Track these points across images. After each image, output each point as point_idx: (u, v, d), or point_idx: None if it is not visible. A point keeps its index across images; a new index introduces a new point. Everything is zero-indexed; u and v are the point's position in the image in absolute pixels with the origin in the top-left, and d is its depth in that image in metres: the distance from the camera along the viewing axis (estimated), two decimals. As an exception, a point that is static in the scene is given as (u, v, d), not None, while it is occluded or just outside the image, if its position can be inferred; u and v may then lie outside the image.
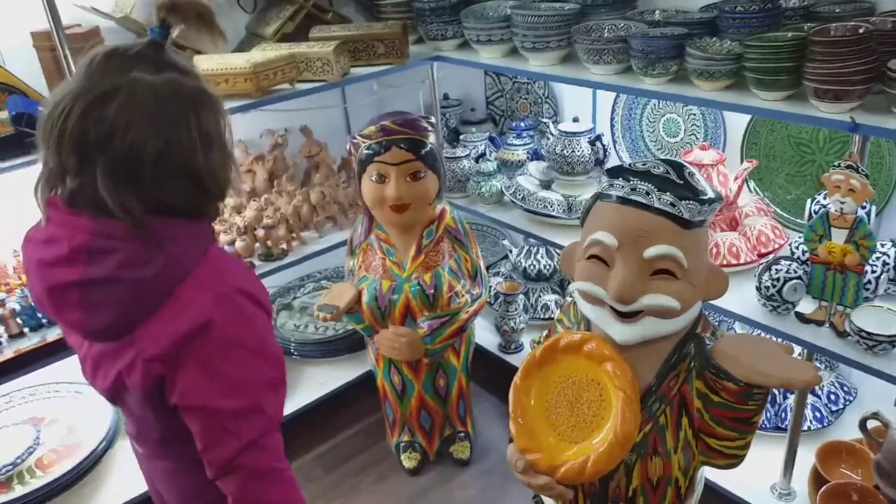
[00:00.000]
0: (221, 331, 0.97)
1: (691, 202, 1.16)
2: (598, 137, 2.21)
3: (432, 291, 1.95)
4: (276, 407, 1.05)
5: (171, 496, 1.22)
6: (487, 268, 2.82)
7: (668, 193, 1.16)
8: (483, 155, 2.49)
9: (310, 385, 2.43)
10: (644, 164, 1.22)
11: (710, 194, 1.19)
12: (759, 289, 1.71)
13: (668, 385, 1.24)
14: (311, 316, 2.69)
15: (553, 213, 2.17)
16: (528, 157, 2.48)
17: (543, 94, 2.72)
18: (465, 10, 2.27)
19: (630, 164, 1.24)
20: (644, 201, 1.17)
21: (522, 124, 2.66)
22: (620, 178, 1.22)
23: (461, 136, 2.68)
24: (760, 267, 1.72)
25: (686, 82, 1.80)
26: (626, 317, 1.18)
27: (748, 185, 2.09)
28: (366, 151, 1.92)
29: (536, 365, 1.32)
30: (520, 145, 2.52)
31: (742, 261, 1.83)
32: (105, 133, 0.91)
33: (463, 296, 1.99)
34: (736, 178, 1.92)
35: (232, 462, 1.01)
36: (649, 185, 1.18)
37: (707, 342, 1.23)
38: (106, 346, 1.01)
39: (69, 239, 0.95)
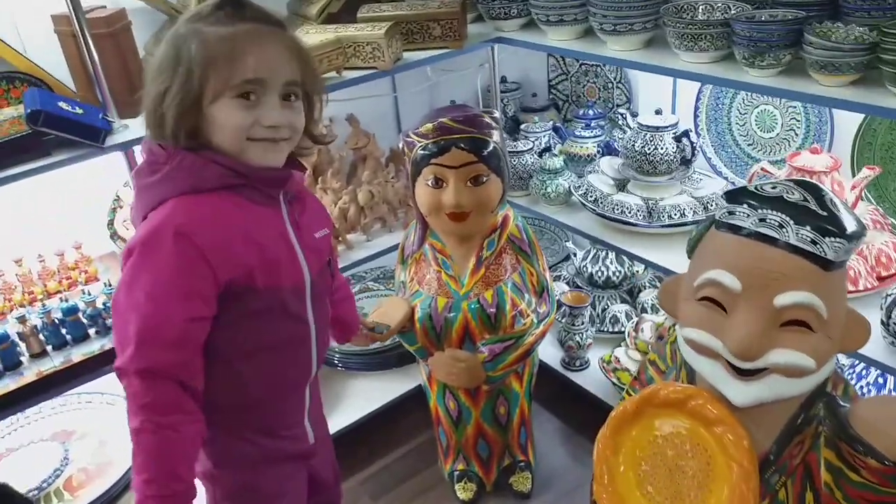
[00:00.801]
0: (137, 256, 1.06)
1: (837, 240, 0.92)
2: (686, 133, 1.93)
3: (494, 311, 1.72)
4: (139, 358, 1.04)
5: None
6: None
7: (806, 227, 0.93)
8: (548, 149, 2.23)
9: (355, 400, 2.24)
10: (774, 188, 0.98)
11: (855, 227, 0.95)
12: (885, 323, 1.45)
13: (791, 453, 1.02)
14: (356, 321, 2.49)
15: (630, 220, 1.91)
16: (598, 152, 2.21)
17: (615, 78, 2.44)
18: (533, -14, 2.00)
19: (756, 187, 1.00)
20: (776, 236, 0.94)
21: (591, 112, 2.39)
22: (745, 205, 0.99)
23: (521, 126, 2.42)
24: (889, 297, 1.45)
25: (801, 75, 1.52)
26: (745, 374, 0.96)
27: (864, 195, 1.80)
28: (421, 152, 1.68)
29: (629, 419, 1.10)
30: (589, 137, 2.26)
31: (860, 287, 1.56)
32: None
33: (528, 315, 1.76)
34: (853, 188, 1.64)
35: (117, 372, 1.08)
36: (782, 216, 0.95)
37: (841, 404, 1.00)
38: None
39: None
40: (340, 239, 2.10)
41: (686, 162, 1.94)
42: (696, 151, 1.94)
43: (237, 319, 1.14)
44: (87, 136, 1.56)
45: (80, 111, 1.59)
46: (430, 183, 1.68)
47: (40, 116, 1.49)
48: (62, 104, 1.59)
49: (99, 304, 1.74)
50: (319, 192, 2.22)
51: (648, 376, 1.37)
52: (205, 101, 1.06)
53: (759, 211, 0.96)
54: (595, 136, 2.25)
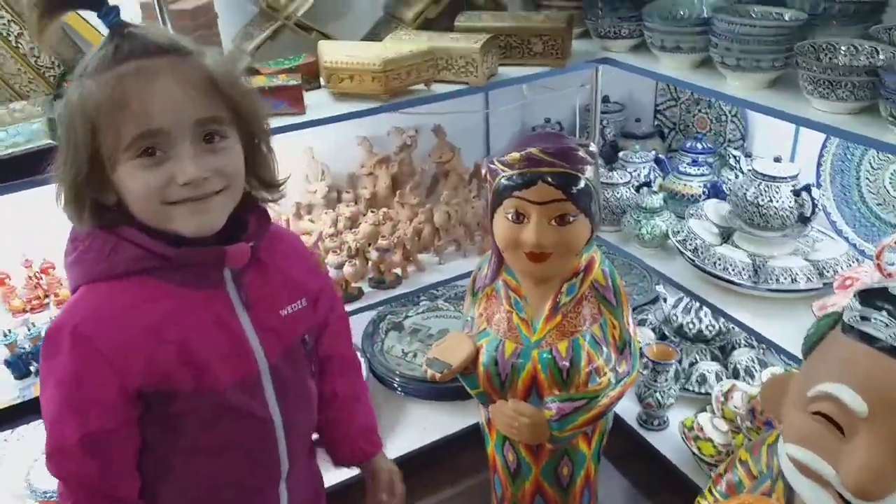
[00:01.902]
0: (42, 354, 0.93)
1: None
2: (807, 188, 1.70)
3: (567, 365, 1.55)
4: (51, 465, 0.94)
5: None
6: (632, 310, 2.40)
7: (962, 350, 0.74)
8: (647, 184, 2.03)
9: (412, 429, 2.12)
10: (920, 291, 0.80)
11: None
12: None
13: None
14: (421, 342, 2.38)
15: (733, 279, 1.70)
16: (703, 193, 2.00)
17: (730, 111, 2.21)
18: (648, 6, 1.80)
19: None
20: (922, 356, 0.76)
21: (699, 146, 2.17)
22: (885, 312, 0.81)
23: (620, 154, 2.23)
24: None
25: (963, 139, 1.29)
26: (861, 512, 0.79)
27: None
28: (504, 182, 1.52)
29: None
30: (695, 175, 2.04)
31: None
32: None
33: (605, 374, 1.57)
34: None
35: None
36: (932, 333, 0.76)
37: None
38: None
39: None
40: (411, 259, 1.98)
41: (804, 220, 1.71)
42: (816, 209, 1.71)
43: (167, 420, 0.96)
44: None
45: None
46: (510, 216, 1.52)
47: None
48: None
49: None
50: (396, 205, 2.11)
51: (737, 479, 1.19)
52: (106, 170, 0.87)
53: (902, 323, 0.78)
54: (702, 175, 2.04)
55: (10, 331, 1.64)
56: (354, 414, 1.26)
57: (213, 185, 0.89)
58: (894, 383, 0.78)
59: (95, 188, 0.88)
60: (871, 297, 0.84)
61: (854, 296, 0.90)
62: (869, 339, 0.82)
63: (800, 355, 1.55)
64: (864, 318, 0.84)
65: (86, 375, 0.90)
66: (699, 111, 2.32)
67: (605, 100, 2.46)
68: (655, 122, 2.46)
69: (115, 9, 0.87)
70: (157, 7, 1.51)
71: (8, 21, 1.59)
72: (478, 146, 2.37)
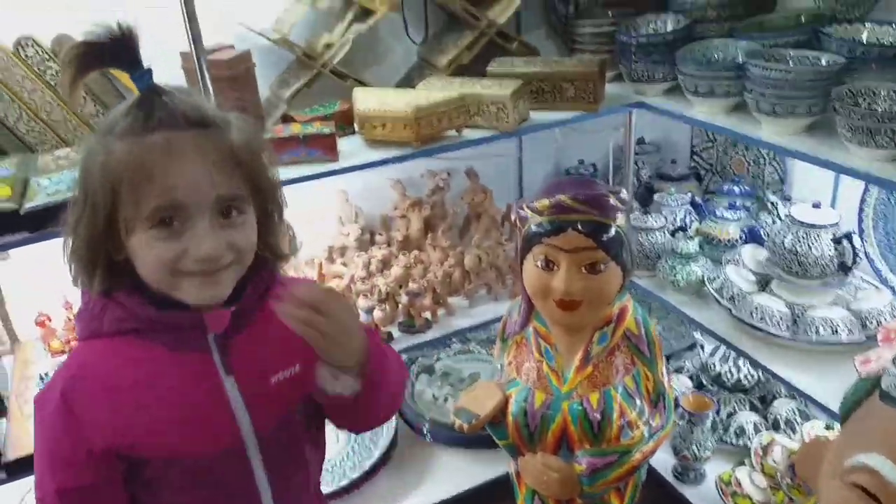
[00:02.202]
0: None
1: None
2: (848, 236, 1.65)
3: (598, 417, 1.51)
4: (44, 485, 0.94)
5: None
6: (667, 358, 2.34)
7: None
8: (683, 228, 2.00)
9: (439, 477, 2.08)
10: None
11: None
12: None
13: None
14: (451, 385, 2.35)
15: (771, 330, 1.65)
16: (741, 238, 1.96)
17: (768, 154, 2.17)
18: (682, 51, 1.79)
19: None
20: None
21: (736, 189, 2.13)
22: None
23: (655, 196, 2.20)
24: None
25: None
26: None
27: None
28: (534, 228, 1.51)
29: None
30: (732, 220, 2.00)
31: None
32: None
33: (638, 428, 1.53)
34: None
35: None
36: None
37: None
38: None
39: None
40: (441, 302, 1.97)
41: (844, 268, 1.66)
42: (857, 258, 1.65)
43: (145, 482, 0.94)
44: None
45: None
46: (539, 264, 1.50)
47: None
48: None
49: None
50: (428, 247, 2.11)
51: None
52: (121, 233, 0.87)
53: (947, 391, 0.74)
54: (739, 219, 1.99)
55: (46, 374, 1.67)
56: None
57: (225, 259, 0.89)
58: (938, 457, 0.74)
59: (110, 248, 0.88)
60: (912, 365, 0.80)
61: (893, 361, 0.86)
62: (911, 412, 0.78)
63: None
64: (905, 388, 0.80)
65: (62, 435, 0.91)
66: (737, 153, 2.28)
67: (640, 141, 2.44)
68: (692, 164, 2.42)
69: (149, 71, 0.88)
70: (195, 57, 1.55)
71: (56, 71, 1.65)
72: (510, 188, 2.37)
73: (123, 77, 1.72)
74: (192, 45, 1.54)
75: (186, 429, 0.93)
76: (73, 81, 0.87)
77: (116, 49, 0.86)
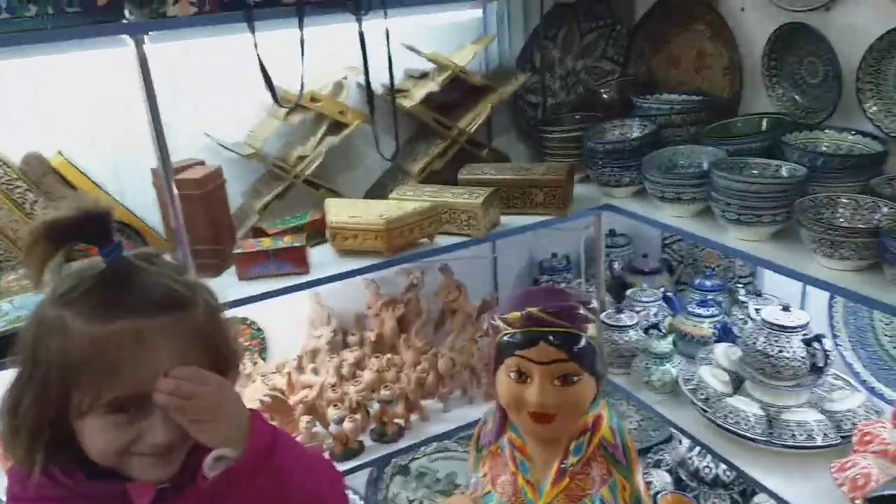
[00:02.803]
0: None
1: None
2: (818, 338, 1.66)
3: (576, 533, 1.49)
4: None
5: None
6: (646, 450, 2.32)
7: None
8: (656, 325, 2.01)
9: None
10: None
11: None
12: None
13: None
14: (427, 487, 2.30)
15: (746, 434, 1.64)
16: (714, 334, 1.96)
17: (737, 247, 2.20)
18: (648, 157, 1.84)
19: None
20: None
21: (708, 283, 2.15)
22: None
23: (628, 292, 2.21)
24: None
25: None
26: None
27: None
28: (506, 339, 1.50)
29: None
30: (705, 316, 2.01)
31: None
32: None
33: (616, 542, 1.51)
34: None
35: None
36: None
37: None
38: None
39: None
40: (414, 408, 1.94)
41: (817, 370, 1.67)
42: (829, 359, 1.66)
43: None
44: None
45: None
46: (512, 375, 1.49)
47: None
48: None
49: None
50: (402, 347, 2.10)
51: None
52: (70, 415, 0.82)
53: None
54: (711, 316, 2.01)
55: None
56: None
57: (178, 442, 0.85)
58: None
59: (50, 433, 0.83)
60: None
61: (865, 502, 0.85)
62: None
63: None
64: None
65: None
66: (706, 246, 2.31)
67: (612, 233, 2.47)
68: (663, 255, 2.45)
69: (118, 245, 0.85)
70: (162, 175, 1.56)
71: (24, 190, 1.65)
72: (485, 283, 2.38)
73: (94, 192, 1.74)
74: (161, 165, 1.55)
75: None
76: (41, 261, 0.83)
77: (89, 227, 0.83)
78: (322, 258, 1.73)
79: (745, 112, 1.98)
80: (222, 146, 1.82)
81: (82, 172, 1.73)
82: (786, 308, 1.72)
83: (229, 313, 1.94)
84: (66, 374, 0.80)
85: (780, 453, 1.63)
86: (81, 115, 1.72)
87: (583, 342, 1.48)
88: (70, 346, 0.80)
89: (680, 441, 2.15)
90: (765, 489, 1.59)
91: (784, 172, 1.63)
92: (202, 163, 1.75)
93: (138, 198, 1.79)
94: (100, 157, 1.76)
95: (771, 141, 1.76)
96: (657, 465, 2.22)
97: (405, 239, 1.71)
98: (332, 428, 1.78)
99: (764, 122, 1.89)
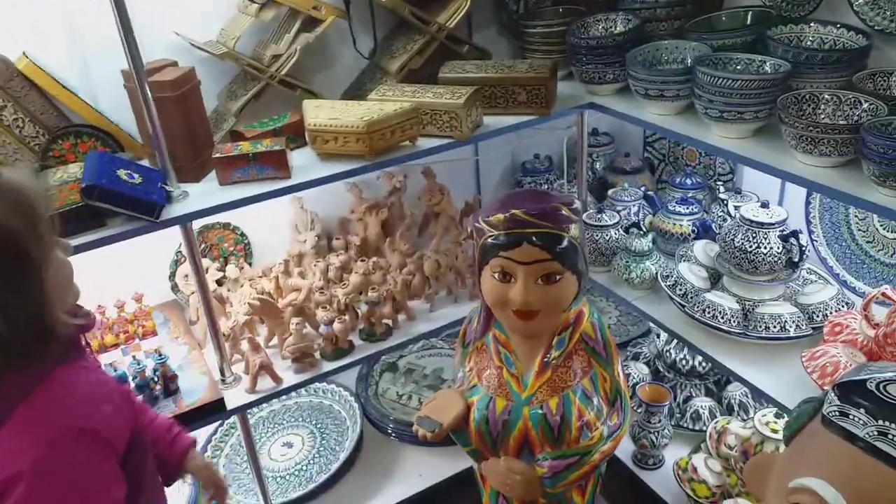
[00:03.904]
0: (30, 479, 0.88)
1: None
2: (795, 234, 1.70)
3: (558, 421, 1.56)
4: None
5: None
6: (625, 344, 2.40)
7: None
8: (636, 224, 2.03)
9: (405, 475, 2.13)
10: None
11: None
12: None
13: None
14: (415, 382, 2.38)
15: (723, 327, 1.70)
16: (693, 231, 2.00)
17: (718, 145, 2.20)
18: (631, 54, 1.80)
19: (880, 386, 0.81)
20: (899, 457, 0.75)
21: (689, 181, 2.17)
22: (862, 410, 0.80)
23: (609, 192, 2.22)
24: None
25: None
26: None
27: None
28: (490, 241, 1.52)
29: None
30: (684, 214, 2.04)
31: None
32: None
33: (597, 428, 1.58)
34: None
35: None
36: (910, 433, 0.76)
37: None
38: None
39: None
40: (401, 309, 1.98)
41: (792, 264, 1.71)
42: (804, 255, 1.71)
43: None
44: (143, 211, 1.49)
45: (138, 180, 1.53)
46: (497, 275, 1.52)
47: (95, 191, 1.43)
48: (121, 172, 1.53)
49: (148, 373, 1.69)
50: (387, 251, 2.11)
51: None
52: None
53: (880, 422, 0.78)
54: (691, 214, 2.03)
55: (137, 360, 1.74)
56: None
57: None
58: (873, 483, 0.78)
59: None
60: (849, 391, 0.83)
61: (833, 388, 0.89)
62: (848, 436, 0.81)
63: (789, 404, 1.57)
64: (842, 414, 0.83)
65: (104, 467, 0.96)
66: (688, 144, 2.31)
67: (594, 132, 2.46)
68: (645, 155, 2.45)
69: None
70: (134, 77, 1.51)
71: (-6, 91, 1.60)
72: (468, 185, 2.38)
73: (64, 95, 1.69)
74: (132, 66, 1.49)
75: None
76: None
77: None
78: (303, 161, 1.71)
79: (730, 5, 1.93)
80: (194, 45, 1.75)
81: (50, 75, 1.68)
82: (764, 205, 1.75)
83: (213, 219, 1.96)
84: None
85: (754, 345, 1.69)
86: (47, 14, 1.65)
87: (565, 242, 1.50)
88: None
89: (658, 335, 2.22)
90: (740, 378, 1.66)
91: (768, 68, 1.61)
92: (175, 64, 1.70)
93: (111, 101, 1.74)
94: (69, 58, 1.70)
95: (756, 35, 1.73)
96: (636, 357, 2.30)
97: (387, 142, 1.68)
98: (322, 329, 1.82)
99: (749, 16, 1.85)
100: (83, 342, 1.06)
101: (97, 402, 0.96)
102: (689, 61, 1.75)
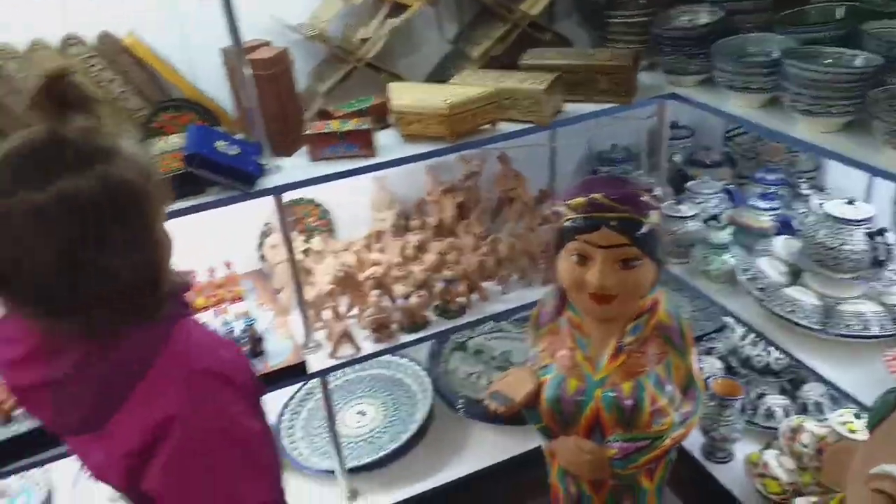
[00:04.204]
0: (183, 424, 0.93)
1: None
2: (882, 231, 1.66)
3: (630, 404, 1.57)
4: (258, 494, 0.98)
5: None
6: (698, 339, 2.37)
7: None
8: (715, 217, 2.02)
9: (473, 451, 2.18)
10: None
11: None
12: None
13: None
14: (484, 363, 2.42)
15: (802, 322, 1.68)
16: (774, 227, 1.97)
17: (803, 140, 2.16)
18: (717, 45, 1.79)
19: None
20: None
21: (770, 177, 2.14)
22: None
23: (688, 184, 2.21)
24: None
25: None
26: None
27: None
28: (569, 224, 1.55)
29: None
30: (766, 209, 2.01)
31: None
32: (8, 267, 0.86)
33: (669, 415, 1.58)
34: None
35: None
36: None
37: None
38: (81, 437, 1.00)
39: (24, 341, 0.95)
40: (475, 289, 2.02)
41: (878, 263, 1.67)
42: (891, 254, 1.67)
43: None
44: (239, 180, 1.58)
45: (236, 151, 1.62)
46: (574, 258, 1.55)
47: (196, 159, 1.53)
48: (220, 143, 1.62)
49: (237, 334, 1.80)
50: (462, 233, 2.16)
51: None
52: None
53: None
54: (773, 209, 2.00)
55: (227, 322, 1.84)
56: None
57: None
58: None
59: None
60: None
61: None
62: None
63: (868, 403, 1.54)
64: (926, 404, 0.83)
65: (243, 408, 1.01)
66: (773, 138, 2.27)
67: (674, 124, 2.44)
68: (725, 149, 2.42)
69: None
70: (236, 57, 1.59)
71: (100, 69, 1.70)
72: (543, 173, 2.39)
73: (166, 71, 1.79)
74: (234, 45, 1.57)
75: None
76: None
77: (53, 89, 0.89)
78: (387, 142, 1.77)
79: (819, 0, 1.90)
80: (287, 27, 1.83)
81: (153, 52, 1.78)
82: (850, 201, 1.71)
83: (299, 194, 2.03)
84: None
85: (834, 342, 1.66)
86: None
87: (645, 228, 1.51)
88: None
89: (733, 330, 2.20)
90: (819, 376, 1.64)
91: (858, 62, 1.58)
92: (268, 44, 1.78)
93: (209, 78, 1.84)
94: (170, 36, 1.80)
95: (846, 30, 1.69)
96: (708, 352, 2.28)
97: (468, 124, 1.73)
98: (400, 302, 1.89)
99: (839, 10, 1.81)
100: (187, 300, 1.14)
101: (220, 348, 1.02)
102: (776, 54, 1.73)
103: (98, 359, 0.93)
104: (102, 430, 0.95)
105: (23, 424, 1.61)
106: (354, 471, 2.08)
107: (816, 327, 1.67)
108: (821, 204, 1.78)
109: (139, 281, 0.93)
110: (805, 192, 2.05)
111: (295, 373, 1.76)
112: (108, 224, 0.87)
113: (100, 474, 1.02)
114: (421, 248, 2.09)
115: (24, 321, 0.94)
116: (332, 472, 2.07)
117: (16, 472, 1.64)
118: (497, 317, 2.03)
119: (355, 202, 2.20)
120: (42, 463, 1.64)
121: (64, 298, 0.88)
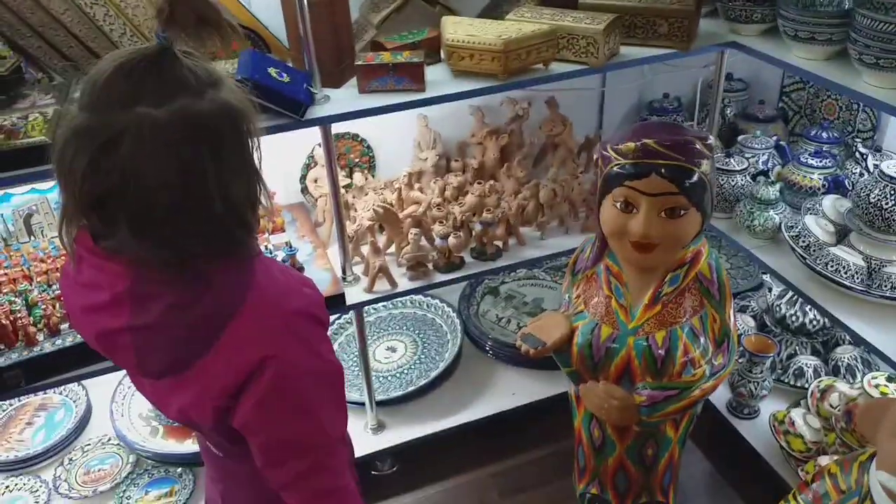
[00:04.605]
0: (278, 363, 0.93)
1: None
2: (938, 195, 1.62)
3: (662, 354, 1.58)
4: (338, 426, 1.04)
5: (240, 499, 1.22)
6: (734, 296, 2.36)
7: None
8: (765, 172, 1.98)
9: (498, 392, 2.21)
10: None
11: None
12: None
13: None
14: (515, 308, 2.44)
15: (845, 282, 1.66)
16: (824, 186, 1.93)
17: (862, 99, 2.10)
18: (785, -8, 1.73)
19: None
20: None
21: (825, 135, 2.08)
22: None
23: (739, 138, 2.16)
24: None
25: None
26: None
27: None
28: (616, 170, 1.52)
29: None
30: (816, 167, 1.97)
31: None
32: (116, 185, 0.83)
33: (700, 366, 1.59)
34: None
35: (292, 483, 1.01)
36: None
37: None
38: (163, 382, 0.98)
39: (110, 286, 0.91)
40: (513, 233, 2.02)
41: (930, 226, 1.64)
42: (946, 218, 1.63)
43: None
44: (290, 108, 1.58)
45: (286, 79, 1.62)
46: (618, 205, 1.53)
47: (248, 84, 1.52)
48: (272, 70, 1.62)
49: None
50: (503, 176, 2.15)
51: (824, 490, 1.21)
52: None
53: None
54: (824, 168, 1.96)
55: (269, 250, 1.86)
56: None
57: None
58: None
59: None
60: None
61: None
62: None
63: (907, 368, 1.53)
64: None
65: (327, 344, 1.03)
66: (829, 96, 2.21)
67: (729, 77, 2.38)
68: (780, 105, 2.36)
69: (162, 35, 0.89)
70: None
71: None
72: (590, 120, 2.36)
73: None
74: (292, -31, 1.56)
75: None
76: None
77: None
78: (436, 77, 1.75)
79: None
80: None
81: (210, -25, 1.77)
82: (907, 162, 1.67)
83: (343, 128, 2.03)
84: None
85: (875, 304, 1.65)
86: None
87: (695, 177, 1.49)
88: None
89: (770, 289, 2.18)
90: (857, 336, 1.63)
91: (937, 14, 1.52)
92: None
93: (263, 5, 1.83)
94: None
95: (926, -20, 1.63)
96: (743, 310, 2.27)
97: (521, 62, 1.70)
98: (438, 242, 1.89)
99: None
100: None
101: (303, 286, 1.02)
102: (847, 4, 1.66)
103: (187, 304, 0.91)
104: (187, 372, 0.93)
105: (66, 339, 1.65)
106: (381, 404, 2.13)
107: (860, 288, 1.65)
108: (876, 165, 1.74)
109: (241, 208, 0.91)
110: (862, 150, 1.99)
111: (333, 303, 1.78)
112: (225, 146, 0.86)
113: (182, 416, 1.01)
114: (460, 190, 2.09)
115: (110, 265, 0.91)
116: (362, 403, 2.11)
117: (57, 384, 1.67)
118: (533, 262, 2.03)
119: (398, 140, 2.19)
120: (82, 378, 1.70)
121: (169, 223, 0.86)
